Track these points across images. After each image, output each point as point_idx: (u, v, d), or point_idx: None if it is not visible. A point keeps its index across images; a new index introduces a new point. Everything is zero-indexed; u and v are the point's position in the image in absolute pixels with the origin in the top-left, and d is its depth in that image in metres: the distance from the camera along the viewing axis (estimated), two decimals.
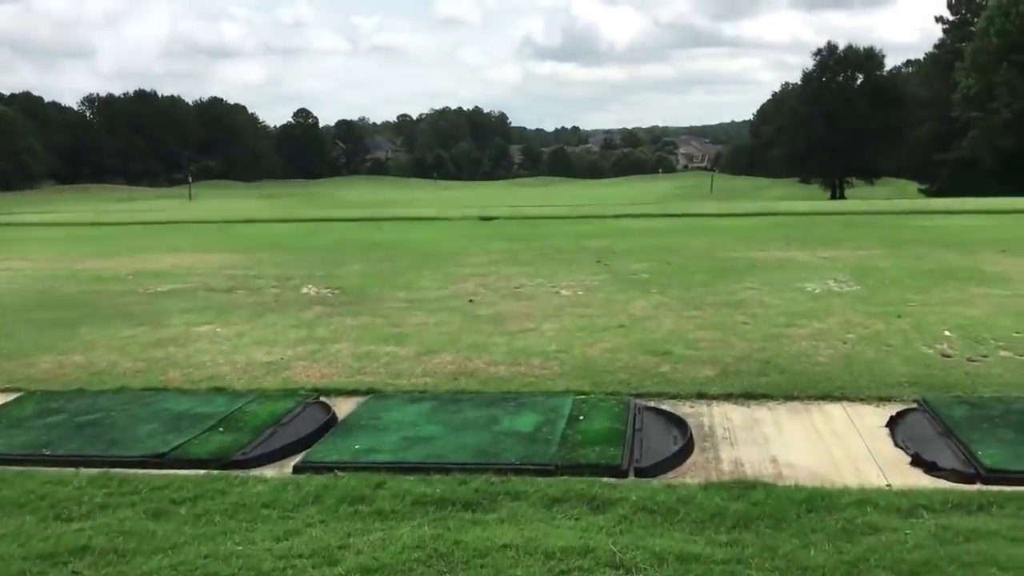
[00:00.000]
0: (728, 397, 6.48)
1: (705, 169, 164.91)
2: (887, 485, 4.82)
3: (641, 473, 5.08)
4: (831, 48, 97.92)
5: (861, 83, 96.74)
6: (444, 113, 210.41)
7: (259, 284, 12.16)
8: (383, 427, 5.91)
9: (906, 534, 4.01)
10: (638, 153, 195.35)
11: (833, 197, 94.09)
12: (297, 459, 5.45)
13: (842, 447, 5.46)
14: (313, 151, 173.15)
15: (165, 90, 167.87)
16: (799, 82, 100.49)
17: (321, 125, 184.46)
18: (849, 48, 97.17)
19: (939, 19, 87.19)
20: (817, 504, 4.40)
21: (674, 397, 6.52)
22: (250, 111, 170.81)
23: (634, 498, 4.51)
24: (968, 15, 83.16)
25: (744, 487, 4.74)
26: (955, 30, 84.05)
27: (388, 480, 4.96)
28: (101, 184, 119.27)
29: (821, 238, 15.67)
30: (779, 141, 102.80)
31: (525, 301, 10.21)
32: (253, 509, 4.52)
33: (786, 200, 76.50)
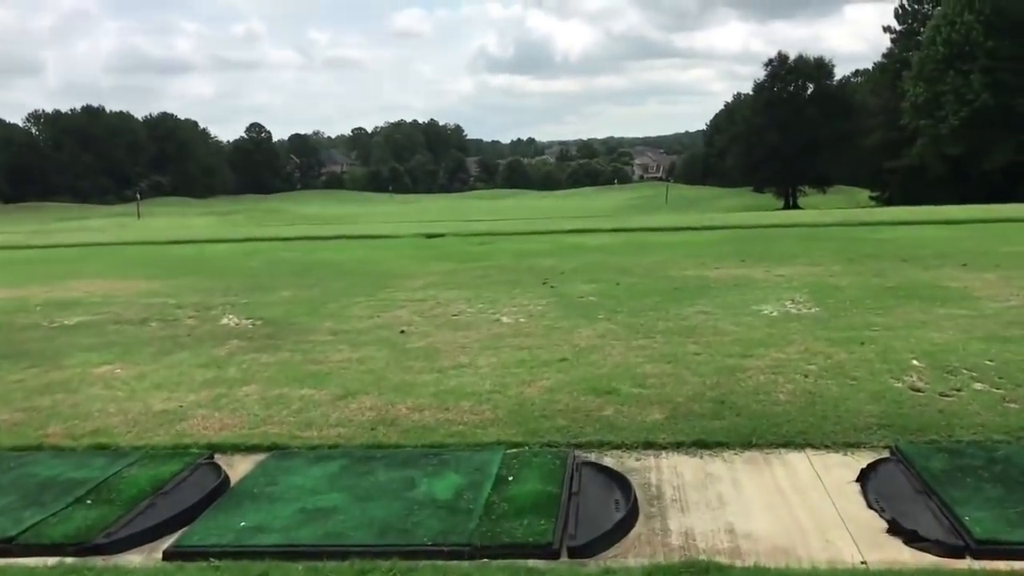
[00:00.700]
0: (678, 446, 5.73)
1: (660, 179, 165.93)
2: (862, 563, 4.10)
3: (575, 553, 4.29)
4: (782, 58, 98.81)
5: (812, 93, 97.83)
6: (399, 126, 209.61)
7: (176, 314, 11.21)
8: (278, 496, 5.06)
9: None
10: (594, 164, 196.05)
11: (786, 206, 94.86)
12: (171, 541, 4.60)
13: (808, 510, 4.73)
14: (267, 166, 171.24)
15: (114, 106, 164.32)
16: (751, 92, 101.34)
17: (275, 139, 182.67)
18: (800, 58, 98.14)
19: (887, 29, 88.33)
20: None
21: (618, 447, 5.77)
22: (202, 126, 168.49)
23: None
24: (915, 25, 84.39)
25: (695, 571, 3.98)
26: (903, 39, 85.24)
27: (272, 570, 4.13)
28: (49, 202, 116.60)
29: (776, 254, 15.08)
30: (732, 151, 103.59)
31: (462, 331, 9.40)
32: None
33: (739, 211, 76.73)
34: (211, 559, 4.30)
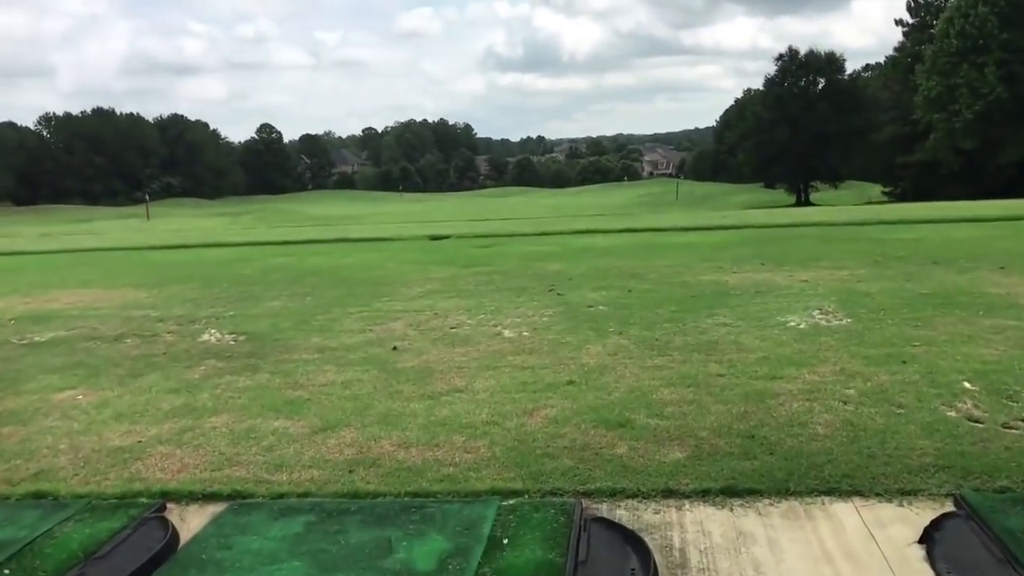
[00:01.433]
0: (704, 495, 4.91)
1: (670, 176, 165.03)
2: None
3: None
4: (792, 53, 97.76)
5: (823, 87, 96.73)
6: (409, 125, 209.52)
7: (156, 329, 10.44)
8: (229, 565, 4.25)
9: None
10: (603, 161, 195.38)
11: (798, 202, 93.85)
12: None
13: None
14: (277, 166, 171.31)
15: (126, 108, 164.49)
16: (761, 88, 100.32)
17: (286, 140, 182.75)
18: (810, 53, 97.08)
19: (899, 22, 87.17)
20: None
21: (633, 495, 4.94)
22: (212, 127, 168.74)
23: None
24: (927, 17, 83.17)
25: None
26: (915, 32, 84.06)
27: None
28: (59, 204, 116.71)
29: (798, 255, 14.21)
30: (742, 147, 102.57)
31: (460, 347, 8.59)
32: None
33: (752, 207, 75.71)
34: None
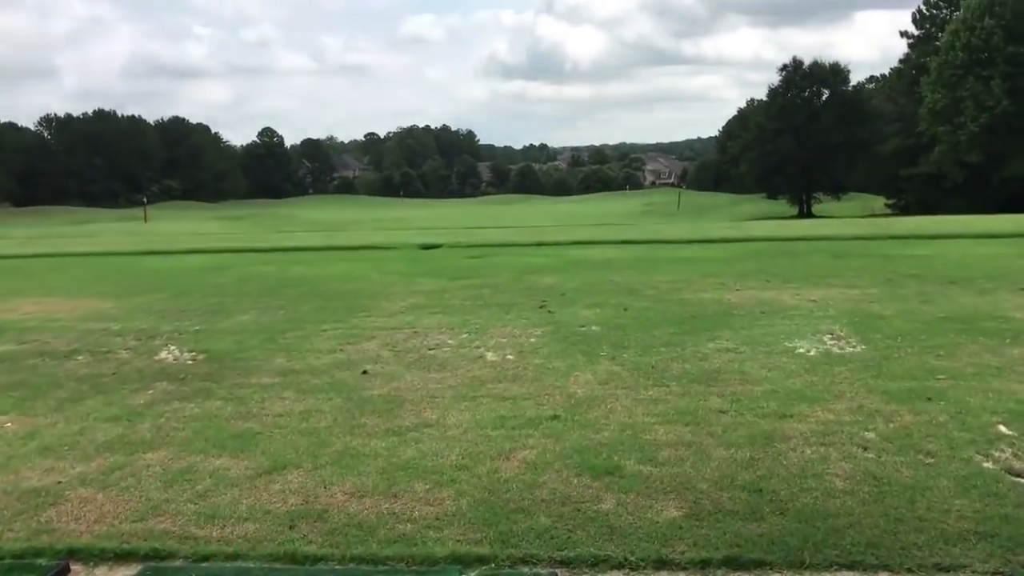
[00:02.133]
0: (703, 566, 4.13)
1: (672, 185, 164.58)
2: None
3: None
4: (796, 64, 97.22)
5: (827, 98, 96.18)
6: (412, 131, 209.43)
7: (113, 344, 9.67)
8: None
9: None
10: (606, 170, 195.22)
11: (800, 213, 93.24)
12: None
13: None
14: (278, 170, 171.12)
15: (128, 110, 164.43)
16: (765, 98, 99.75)
17: (288, 144, 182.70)
18: (815, 63, 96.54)
19: (904, 34, 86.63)
20: None
21: (620, 565, 4.18)
22: (214, 131, 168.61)
23: None
24: (933, 30, 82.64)
25: None
26: (920, 45, 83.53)
27: None
28: (59, 206, 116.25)
29: (805, 272, 13.44)
30: (745, 157, 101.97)
31: (436, 372, 7.82)
32: None
33: (754, 218, 75.02)
34: None
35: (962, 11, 74.25)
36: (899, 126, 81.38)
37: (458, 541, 4.41)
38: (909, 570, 4.04)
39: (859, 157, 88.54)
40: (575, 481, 5.12)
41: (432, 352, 8.61)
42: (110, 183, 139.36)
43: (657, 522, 4.55)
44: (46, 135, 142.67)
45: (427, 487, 5.11)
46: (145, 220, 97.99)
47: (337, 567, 4.21)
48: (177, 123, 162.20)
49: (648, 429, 5.99)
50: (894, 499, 4.74)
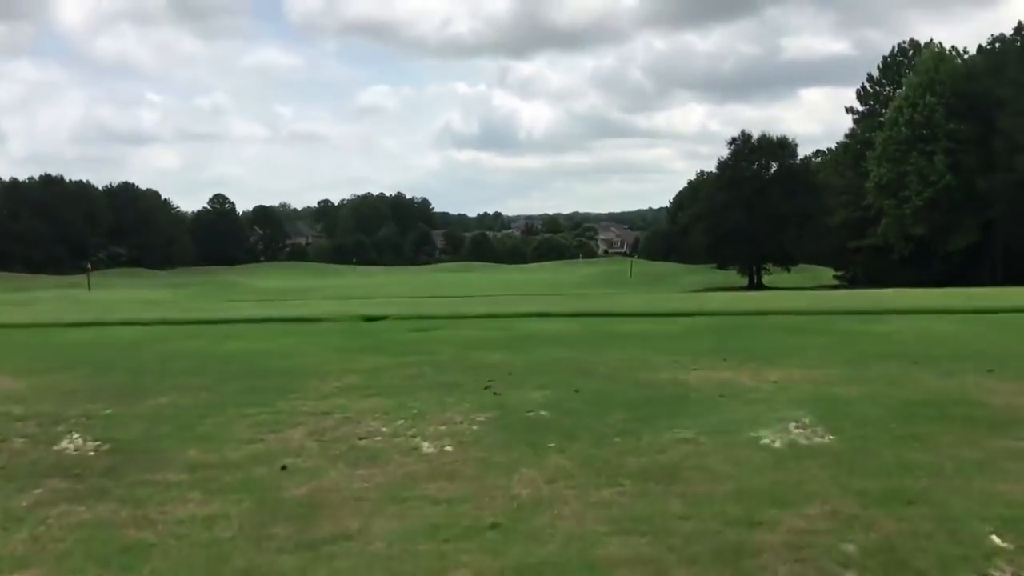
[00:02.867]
0: None
1: (625, 254, 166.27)
2: None
3: None
4: (745, 137, 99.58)
5: (775, 171, 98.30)
6: (366, 199, 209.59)
7: (10, 431, 8.65)
8: None
9: None
10: (559, 238, 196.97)
11: (751, 283, 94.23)
12: None
13: None
14: (229, 237, 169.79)
15: (77, 175, 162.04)
16: (714, 170, 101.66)
17: (240, 211, 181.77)
18: (763, 137, 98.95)
19: (849, 109, 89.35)
20: None
21: None
22: (164, 196, 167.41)
23: None
24: (877, 106, 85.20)
25: None
26: (865, 120, 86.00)
27: None
28: (1, 272, 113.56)
29: (762, 350, 12.89)
30: (696, 227, 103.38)
31: (364, 467, 7.00)
32: None
33: (706, 288, 75.31)
34: None
35: (904, 88, 76.79)
36: (846, 199, 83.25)
37: None
38: None
39: (807, 229, 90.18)
40: None
41: (362, 442, 7.78)
42: (55, 249, 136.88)
43: None
44: None
45: None
46: (88, 287, 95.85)
47: None
48: (126, 189, 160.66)
49: (599, 541, 5.24)
50: None
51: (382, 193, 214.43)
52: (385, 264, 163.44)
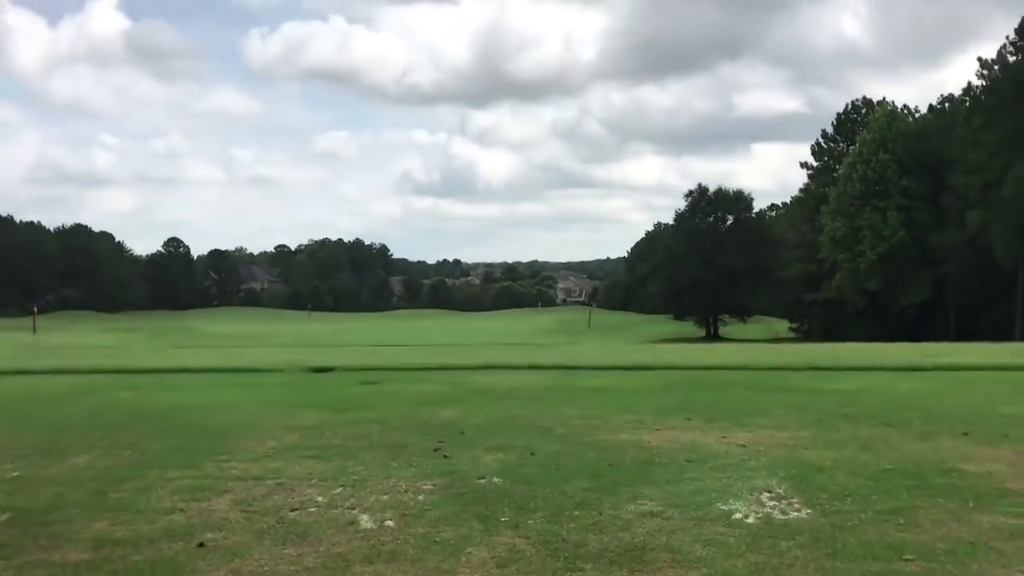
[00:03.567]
0: None
1: (583, 303, 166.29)
2: None
3: None
4: (702, 190, 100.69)
5: (731, 224, 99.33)
6: (324, 244, 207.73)
7: None
8: None
9: None
10: (518, 287, 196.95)
11: (708, 335, 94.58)
12: None
13: None
14: (183, 281, 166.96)
15: (29, 216, 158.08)
16: (671, 222, 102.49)
17: (195, 255, 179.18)
18: (719, 190, 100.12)
19: (804, 164, 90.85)
20: None
21: None
22: (118, 239, 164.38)
23: None
24: (831, 162, 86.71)
25: None
26: (819, 175, 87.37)
27: None
28: None
29: (728, 409, 12.34)
30: (654, 278, 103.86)
31: (293, 545, 6.22)
32: None
33: (663, 339, 75.18)
34: None
35: (858, 145, 78.29)
36: (802, 252, 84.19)
37: None
38: None
39: (763, 281, 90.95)
40: None
41: (293, 514, 7.00)
42: (2, 291, 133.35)
43: None
44: None
45: None
46: (34, 331, 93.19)
47: None
48: (79, 231, 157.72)
49: None
50: None
51: (340, 239, 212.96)
52: (342, 311, 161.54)
